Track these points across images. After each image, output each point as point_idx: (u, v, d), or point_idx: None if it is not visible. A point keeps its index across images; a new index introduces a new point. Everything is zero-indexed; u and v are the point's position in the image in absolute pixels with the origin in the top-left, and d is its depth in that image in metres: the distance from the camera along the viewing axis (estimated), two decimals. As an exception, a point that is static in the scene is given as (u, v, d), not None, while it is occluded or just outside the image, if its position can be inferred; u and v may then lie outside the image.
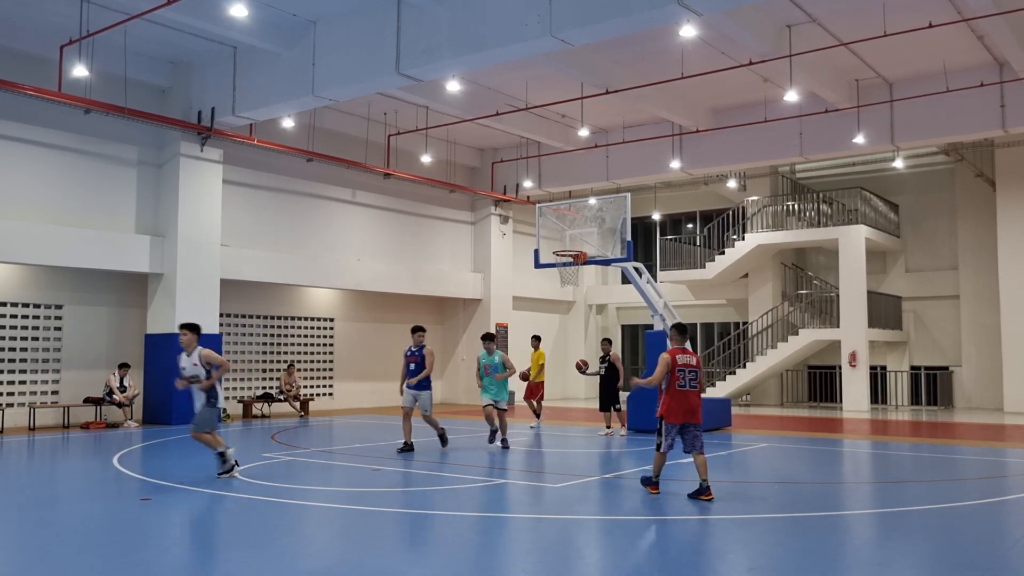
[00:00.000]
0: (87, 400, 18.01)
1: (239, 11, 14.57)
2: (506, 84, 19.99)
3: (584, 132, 22.35)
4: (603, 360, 16.78)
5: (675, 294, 26.42)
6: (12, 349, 17.44)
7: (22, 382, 17.56)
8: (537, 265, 18.11)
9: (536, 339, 18.97)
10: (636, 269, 17.49)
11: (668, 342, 9.85)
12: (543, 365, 18.44)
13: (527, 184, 25.60)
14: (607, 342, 17.32)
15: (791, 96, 17.92)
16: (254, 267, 20.36)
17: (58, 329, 18.05)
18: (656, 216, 29.12)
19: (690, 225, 29.70)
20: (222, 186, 19.27)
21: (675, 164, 22.84)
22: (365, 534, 7.78)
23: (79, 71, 15.84)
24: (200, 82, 18.52)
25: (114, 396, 17.98)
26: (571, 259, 17.34)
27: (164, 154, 18.78)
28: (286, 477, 9.88)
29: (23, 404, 17.45)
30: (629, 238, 16.75)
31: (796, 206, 25.88)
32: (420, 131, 22.26)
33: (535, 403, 18.34)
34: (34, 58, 16.52)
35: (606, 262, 17.80)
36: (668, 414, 9.28)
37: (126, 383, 18.25)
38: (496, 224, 26.61)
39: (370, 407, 23.95)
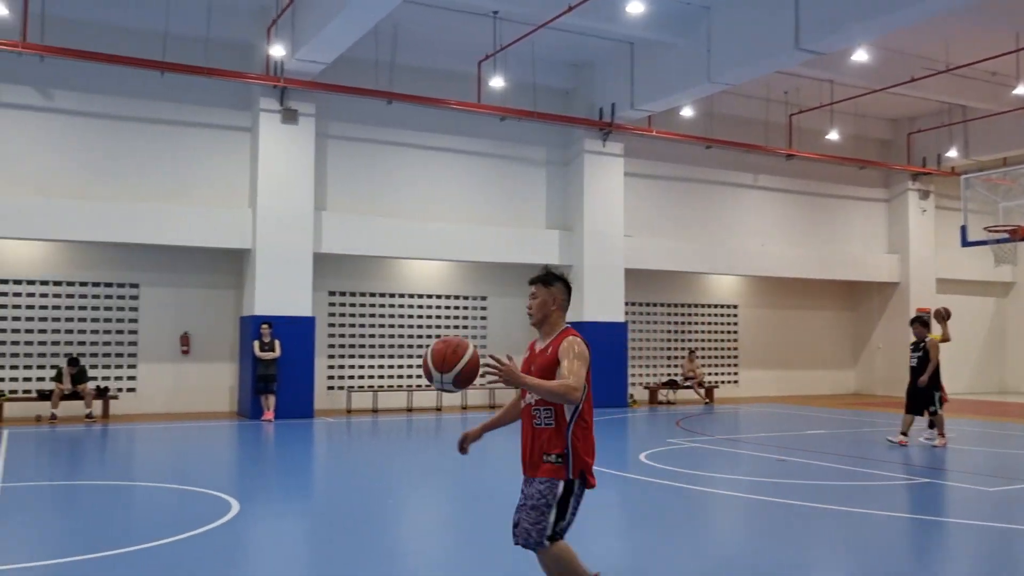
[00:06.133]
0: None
1: (635, 7, 14.95)
2: (921, 45, 18.15)
3: (1020, 90, 19.55)
4: (917, 348, 12.63)
5: None
6: (438, 336, 19.58)
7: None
8: (965, 243, 16.57)
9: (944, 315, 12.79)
10: (1091, 243, 15.03)
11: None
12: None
13: (950, 154, 23.09)
14: (920, 323, 12.67)
15: None
16: (657, 256, 20.79)
17: (483, 318, 19.95)
18: (1119, 180, 24.70)
19: None
20: (623, 178, 19.94)
21: None
22: (768, 525, 7.52)
23: (495, 82, 17.36)
24: (600, 80, 19.30)
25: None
26: (1007, 235, 15.56)
27: (570, 152, 19.89)
28: (689, 463, 9.95)
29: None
30: (1081, 207, 14.45)
31: None
32: (824, 107, 21.09)
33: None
34: (455, 74, 18.38)
35: (1051, 236, 15.57)
36: None
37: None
38: (914, 200, 24.38)
39: (777, 396, 23.29)
